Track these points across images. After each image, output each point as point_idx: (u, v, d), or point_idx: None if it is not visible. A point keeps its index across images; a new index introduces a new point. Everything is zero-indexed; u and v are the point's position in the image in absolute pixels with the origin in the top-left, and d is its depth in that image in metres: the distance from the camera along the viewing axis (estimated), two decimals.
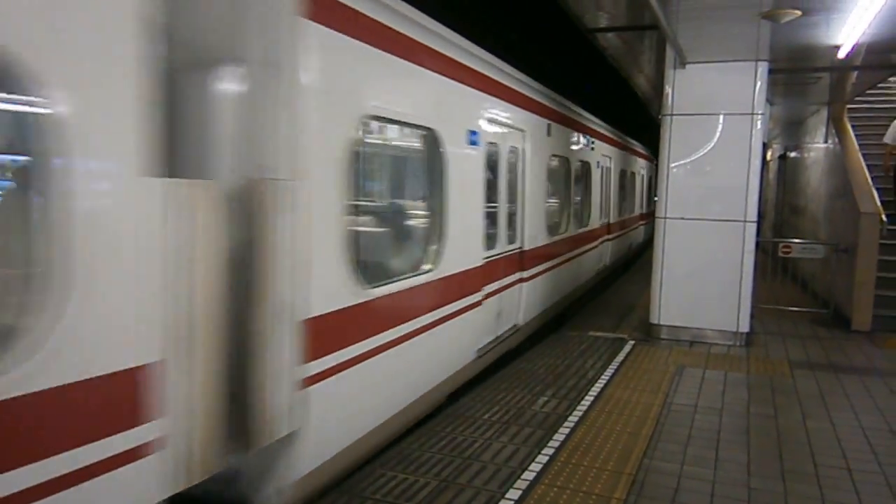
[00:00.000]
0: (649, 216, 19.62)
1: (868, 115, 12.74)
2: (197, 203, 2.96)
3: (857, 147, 10.63)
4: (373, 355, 4.48)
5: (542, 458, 4.66)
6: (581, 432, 5.17)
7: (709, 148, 8.16)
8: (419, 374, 5.32)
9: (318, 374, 3.88)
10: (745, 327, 8.14)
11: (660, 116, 8.48)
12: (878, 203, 9.14)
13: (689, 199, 8.25)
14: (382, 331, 4.61)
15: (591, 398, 6.00)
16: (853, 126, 11.34)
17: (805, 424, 5.53)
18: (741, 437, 5.21)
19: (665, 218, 8.36)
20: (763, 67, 7.89)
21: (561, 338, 8.48)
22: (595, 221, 12.17)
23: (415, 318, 5.10)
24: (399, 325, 4.85)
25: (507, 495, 4.11)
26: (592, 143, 11.70)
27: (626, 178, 16.07)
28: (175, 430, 2.92)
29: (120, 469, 2.68)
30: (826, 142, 12.08)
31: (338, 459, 4.21)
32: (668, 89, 8.24)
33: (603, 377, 6.66)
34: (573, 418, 5.47)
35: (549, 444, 4.91)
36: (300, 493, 3.87)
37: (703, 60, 7.98)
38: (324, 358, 3.93)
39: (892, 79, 12.13)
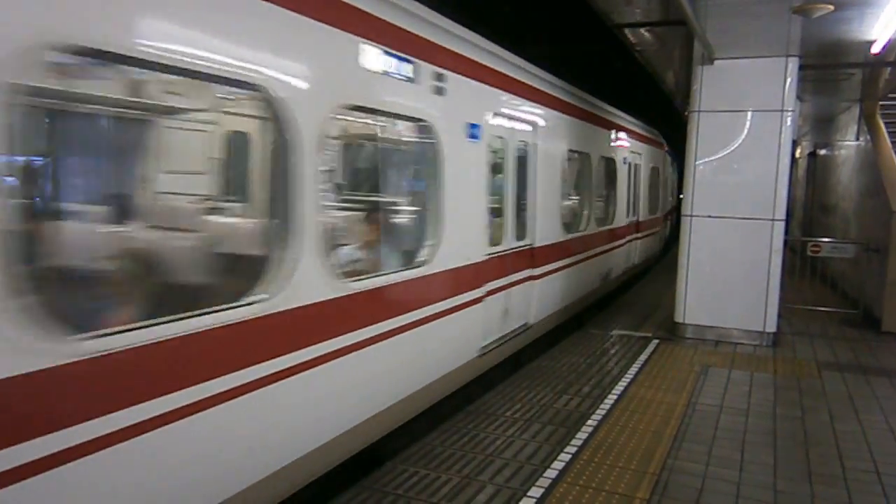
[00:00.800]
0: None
1: None
2: None
3: (889, 145, 10.42)
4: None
5: (565, 457, 4.64)
6: (604, 431, 5.14)
7: (736, 145, 8.05)
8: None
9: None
10: (772, 327, 8.03)
11: (686, 113, 8.38)
12: None
13: (716, 197, 8.15)
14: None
15: (615, 397, 5.96)
16: (886, 123, 11.12)
17: (833, 426, 5.45)
18: (767, 438, 5.15)
19: (691, 216, 8.27)
20: (793, 63, 7.75)
21: (584, 336, 8.44)
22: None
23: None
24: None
25: (528, 493, 4.11)
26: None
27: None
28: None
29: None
30: (857, 139, 11.86)
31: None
32: (695, 86, 8.14)
33: (626, 376, 6.62)
34: (596, 417, 5.45)
35: (572, 443, 4.89)
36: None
37: (732, 56, 7.87)
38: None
39: None
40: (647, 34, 8.60)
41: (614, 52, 13.36)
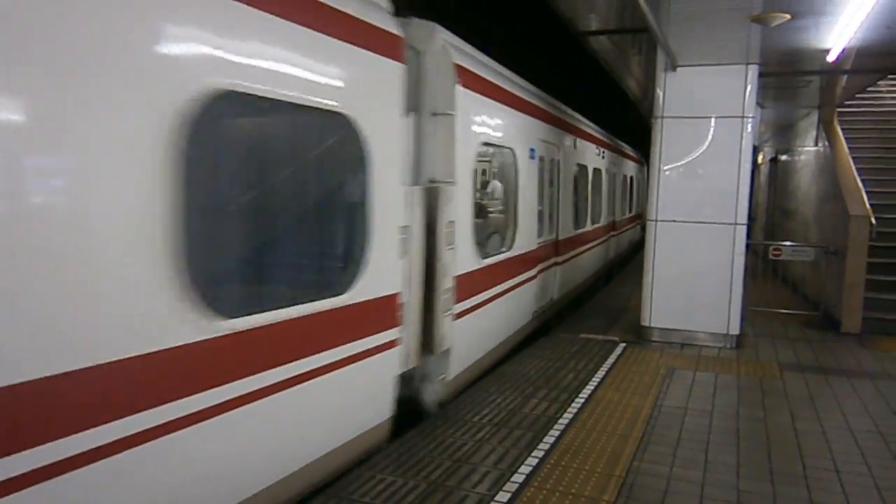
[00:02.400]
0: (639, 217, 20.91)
1: (859, 118, 12.82)
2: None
3: (847, 150, 10.69)
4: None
5: (532, 461, 4.66)
6: (571, 434, 5.17)
7: (700, 151, 8.19)
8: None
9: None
10: (735, 330, 8.17)
11: (651, 119, 8.50)
12: (868, 206, 9.19)
13: (680, 202, 8.26)
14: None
15: (582, 400, 6.00)
16: (843, 129, 11.41)
17: (794, 426, 5.55)
18: (731, 438, 5.23)
19: (656, 220, 8.38)
20: (753, 71, 7.92)
21: (552, 340, 8.49)
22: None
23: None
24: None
25: (496, 498, 4.11)
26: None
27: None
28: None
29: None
30: (816, 145, 12.14)
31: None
32: (659, 92, 8.27)
33: (594, 379, 6.67)
34: (564, 420, 5.48)
35: (540, 447, 4.91)
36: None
37: (694, 63, 8.01)
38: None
39: (881, 82, 12.22)
40: (609, 41, 8.72)
41: (579, 59, 13.50)
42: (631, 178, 19.08)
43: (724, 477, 4.52)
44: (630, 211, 19.12)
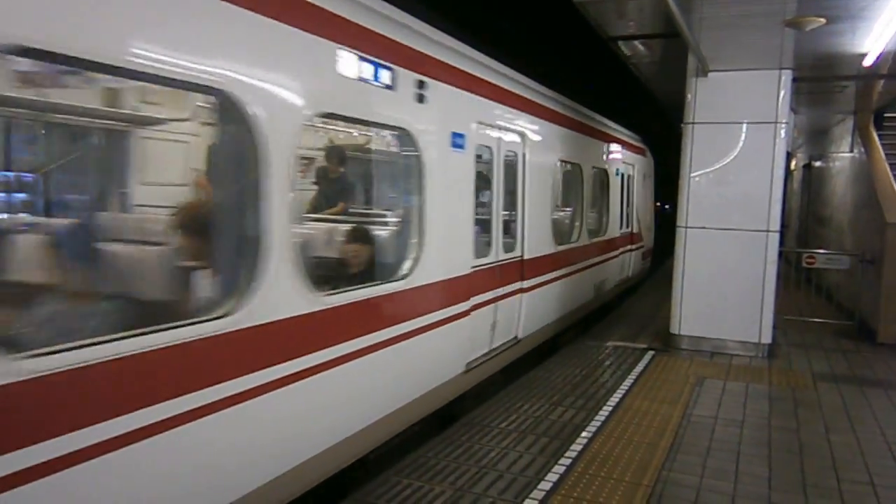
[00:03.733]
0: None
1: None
2: None
3: (883, 156, 10.46)
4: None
5: (559, 469, 4.62)
6: (598, 443, 5.12)
7: (731, 157, 8.08)
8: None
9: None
10: (767, 338, 8.03)
11: (681, 125, 8.42)
12: None
13: (710, 209, 8.17)
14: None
15: (610, 408, 5.95)
16: (879, 135, 11.17)
17: (828, 438, 5.44)
18: (762, 450, 5.13)
19: (686, 227, 8.29)
20: (787, 76, 7.80)
21: (579, 347, 8.43)
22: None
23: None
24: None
25: None
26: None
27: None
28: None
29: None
30: (852, 151, 11.91)
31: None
32: (689, 98, 8.18)
33: (621, 387, 6.60)
34: (591, 428, 5.43)
35: (567, 455, 4.87)
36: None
37: (726, 69, 7.91)
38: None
39: None
40: (640, 46, 8.64)
41: (607, 64, 13.42)
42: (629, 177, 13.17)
43: (755, 489, 4.44)
44: (626, 225, 13.00)
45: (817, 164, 16.09)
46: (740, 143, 8.04)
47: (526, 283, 7.33)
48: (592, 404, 6.06)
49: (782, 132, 7.83)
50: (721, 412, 5.96)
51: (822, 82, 9.23)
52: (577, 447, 5.02)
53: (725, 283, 8.09)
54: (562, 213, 9.49)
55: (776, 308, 8.14)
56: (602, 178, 10.95)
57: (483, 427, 5.42)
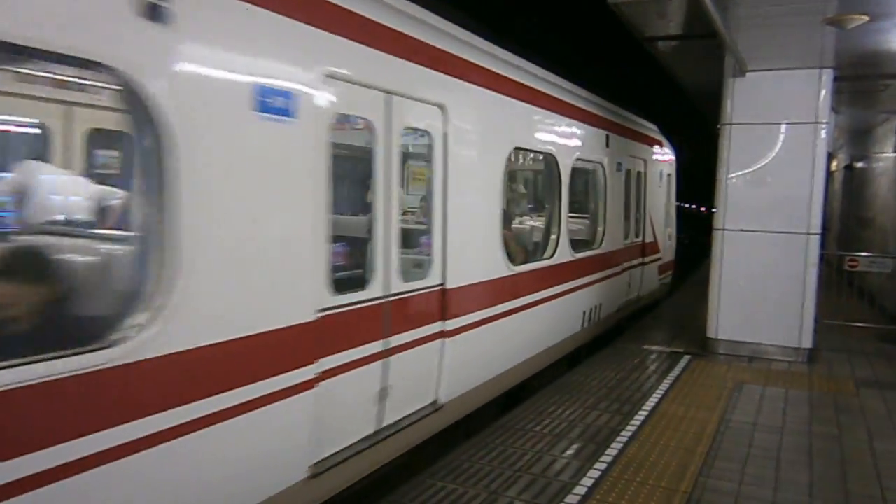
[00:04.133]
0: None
1: None
2: None
3: None
4: None
5: (594, 473, 4.59)
6: (634, 448, 5.07)
7: (769, 158, 7.95)
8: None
9: None
10: (807, 343, 7.86)
11: (718, 126, 8.30)
12: None
13: (748, 211, 8.04)
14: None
15: (645, 413, 5.88)
16: None
17: (871, 445, 5.30)
18: (803, 457, 5.03)
19: (723, 230, 8.16)
20: (828, 75, 7.64)
21: (614, 351, 8.35)
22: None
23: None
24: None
25: None
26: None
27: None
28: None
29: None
30: (895, 151, 11.60)
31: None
32: (726, 98, 8.06)
33: (657, 392, 6.53)
34: (626, 433, 5.38)
35: (602, 459, 4.83)
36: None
37: (764, 68, 7.78)
38: None
39: None
40: (673, 46, 8.51)
41: (640, 65, 13.28)
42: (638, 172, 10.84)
43: (796, 497, 4.36)
44: (635, 233, 10.63)
45: (859, 164, 15.70)
46: (779, 144, 7.90)
47: (451, 324, 5.10)
48: (628, 408, 6.00)
49: (823, 133, 7.67)
50: (760, 418, 5.86)
51: (865, 81, 9.00)
52: (612, 452, 4.98)
53: (764, 286, 7.95)
54: (527, 221, 8.13)
55: (817, 312, 7.96)
56: (594, 174, 8.83)
57: (516, 430, 5.40)
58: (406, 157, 5.06)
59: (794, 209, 7.79)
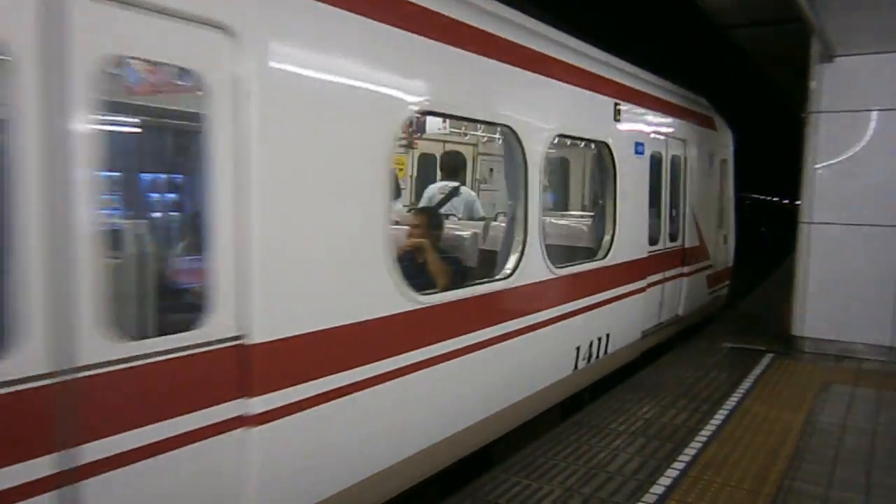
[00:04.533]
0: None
1: None
2: None
3: None
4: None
5: (672, 473, 4.49)
6: (714, 448, 4.94)
7: (860, 147, 7.56)
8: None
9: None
10: None
11: (803, 115, 7.95)
12: None
13: (837, 203, 7.68)
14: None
15: (726, 412, 5.71)
16: None
17: None
18: None
19: (810, 223, 7.82)
20: None
21: (691, 348, 8.14)
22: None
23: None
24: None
25: None
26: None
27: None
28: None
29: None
30: None
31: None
32: (813, 85, 7.71)
33: (738, 391, 6.32)
34: (706, 432, 5.24)
35: (680, 459, 4.72)
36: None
37: (855, 52, 7.40)
38: None
39: None
40: (750, 33, 8.21)
41: (720, 52, 12.83)
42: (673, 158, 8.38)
43: (889, 502, 4.15)
44: (671, 237, 8.30)
45: None
46: (872, 132, 7.50)
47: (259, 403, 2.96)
48: (707, 407, 5.84)
49: None
50: (849, 420, 5.60)
51: None
52: (690, 451, 4.86)
53: (854, 281, 7.58)
54: (467, 224, 6.23)
55: None
56: (594, 158, 7.13)
57: (592, 427, 5.35)
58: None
59: (889, 201, 7.40)
